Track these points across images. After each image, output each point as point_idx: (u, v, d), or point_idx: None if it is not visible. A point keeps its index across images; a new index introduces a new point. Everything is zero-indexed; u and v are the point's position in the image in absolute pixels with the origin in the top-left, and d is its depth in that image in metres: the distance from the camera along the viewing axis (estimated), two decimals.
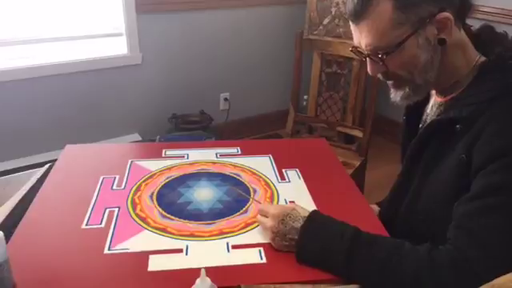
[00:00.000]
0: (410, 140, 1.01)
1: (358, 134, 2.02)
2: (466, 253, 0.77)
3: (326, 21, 2.61)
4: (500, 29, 0.96)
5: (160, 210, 1.02)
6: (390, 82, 0.95)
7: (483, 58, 0.91)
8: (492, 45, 0.91)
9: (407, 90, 0.93)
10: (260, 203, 1.03)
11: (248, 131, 2.99)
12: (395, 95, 0.95)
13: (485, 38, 0.93)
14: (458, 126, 0.86)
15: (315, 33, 2.64)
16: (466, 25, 0.93)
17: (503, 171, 0.78)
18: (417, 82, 0.91)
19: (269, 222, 0.91)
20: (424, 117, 1.03)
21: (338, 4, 2.55)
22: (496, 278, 0.68)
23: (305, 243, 0.86)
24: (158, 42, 2.53)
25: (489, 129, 0.81)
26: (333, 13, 2.58)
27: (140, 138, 2.55)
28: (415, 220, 0.98)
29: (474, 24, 0.97)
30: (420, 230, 0.96)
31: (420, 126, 1.04)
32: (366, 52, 0.91)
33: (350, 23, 0.92)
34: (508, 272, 0.69)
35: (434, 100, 1.00)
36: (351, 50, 0.96)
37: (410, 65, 0.89)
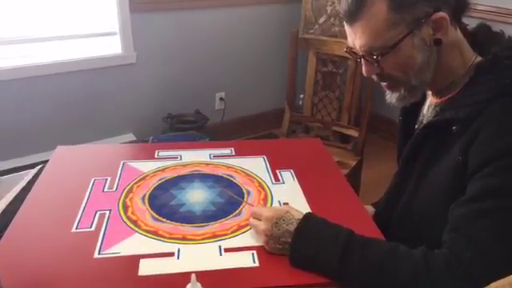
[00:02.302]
0: (406, 141, 1.00)
1: (353, 133, 2.01)
2: (463, 256, 0.76)
3: (321, 20, 2.60)
4: (495, 27, 0.95)
5: (152, 212, 1.01)
6: (384, 84, 0.94)
7: (479, 58, 0.89)
8: (488, 44, 0.89)
9: (402, 91, 0.91)
10: (253, 206, 1.01)
11: (244, 131, 2.98)
12: (391, 97, 0.94)
13: (481, 38, 0.92)
14: (454, 128, 0.85)
15: (311, 32, 2.62)
16: (462, 24, 0.92)
17: (500, 173, 0.77)
18: (412, 83, 0.89)
19: (262, 225, 0.89)
20: (420, 118, 1.02)
21: (333, 3, 2.54)
22: (492, 281, 0.67)
23: (298, 246, 0.85)
24: (153, 42, 2.52)
25: (485, 130, 0.80)
26: (328, 12, 2.56)
27: (135, 138, 2.53)
28: (411, 222, 0.97)
29: (469, 23, 0.95)
30: (416, 232, 0.95)
31: (416, 126, 1.03)
32: (361, 53, 0.89)
33: (345, 24, 0.90)
34: (505, 275, 0.68)
35: (430, 101, 0.99)
36: (346, 51, 0.94)
37: (405, 66, 0.87)
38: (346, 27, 0.90)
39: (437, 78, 0.90)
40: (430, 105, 0.99)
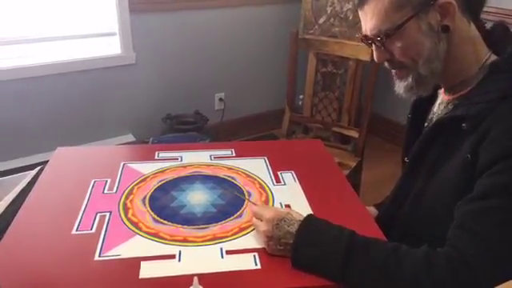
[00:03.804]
0: (415, 139, 0.99)
1: (353, 134, 2.00)
2: (466, 253, 0.75)
3: (321, 20, 2.59)
4: None
5: (152, 214, 1.00)
6: (394, 71, 0.94)
7: (494, 57, 0.89)
8: (504, 44, 0.89)
9: (410, 80, 0.91)
10: (255, 204, 1.01)
11: (243, 131, 2.98)
12: (399, 86, 0.94)
13: (497, 37, 0.92)
14: (464, 125, 0.85)
15: (310, 32, 2.62)
16: (480, 22, 0.92)
17: (509, 172, 0.76)
18: (421, 72, 0.89)
19: (263, 226, 0.89)
20: (430, 115, 1.02)
21: (333, 3, 2.53)
22: (496, 279, 0.66)
23: (300, 247, 0.84)
24: (152, 42, 2.51)
25: (496, 128, 0.80)
26: (328, 12, 2.56)
27: (134, 139, 2.53)
28: (417, 220, 0.97)
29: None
30: (423, 229, 0.95)
31: (426, 124, 1.03)
32: (371, 37, 0.90)
33: (358, 11, 0.92)
34: (508, 274, 0.68)
35: (442, 98, 0.99)
36: (360, 38, 0.95)
37: (413, 51, 0.87)
38: (359, 14, 0.92)
39: (448, 71, 0.90)
40: (441, 102, 0.99)
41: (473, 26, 0.89)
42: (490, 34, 0.93)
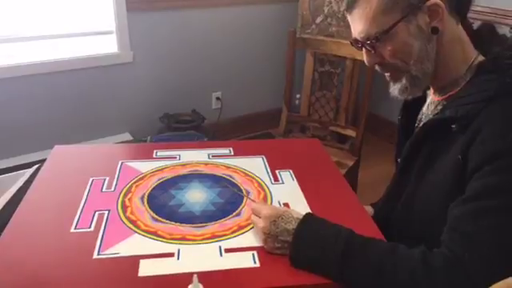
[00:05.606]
0: (406, 140, 1.00)
1: (351, 133, 2.01)
2: (461, 256, 0.76)
3: (318, 20, 2.60)
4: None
5: (151, 212, 1.00)
6: (387, 74, 0.95)
7: (481, 57, 0.90)
8: (491, 44, 0.90)
9: (404, 81, 0.92)
10: (254, 201, 1.01)
11: (240, 130, 2.98)
12: (393, 88, 0.95)
13: (484, 37, 0.93)
14: (453, 126, 0.85)
15: (308, 32, 2.62)
16: (467, 22, 0.92)
17: (499, 173, 0.77)
18: (413, 73, 0.90)
19: (261, 222, 0.89)
20: (420, 116, 1.02)
21: (330, 3, 2.54)
22: (490, 280, 0.67)
23: (299, 247, 0.84)
24: (149, 41, 2.51)
25: (485, 130, 0.80)
26: (325, 12, 2.57)
27: (131, 138, 2.53)
28: (410, 221, 0.97)
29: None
30: (416, 230, 0.95)
31: (416, 125, 1.03)
32: (361, 41, 0.90)
33: (347, 15, 0.92)
34: (503, 275, 0.68)
35: (431, 99, 0.99)
36: (350, 42, 0.96)
37: (403, 53, 0.88)
38: (348, 18, 0.92)
39: (438, 72, 0.90)
40: (430, 103, 0.99)
41: (460, 27, 0.90)
42: (477, 34, 0.93)
